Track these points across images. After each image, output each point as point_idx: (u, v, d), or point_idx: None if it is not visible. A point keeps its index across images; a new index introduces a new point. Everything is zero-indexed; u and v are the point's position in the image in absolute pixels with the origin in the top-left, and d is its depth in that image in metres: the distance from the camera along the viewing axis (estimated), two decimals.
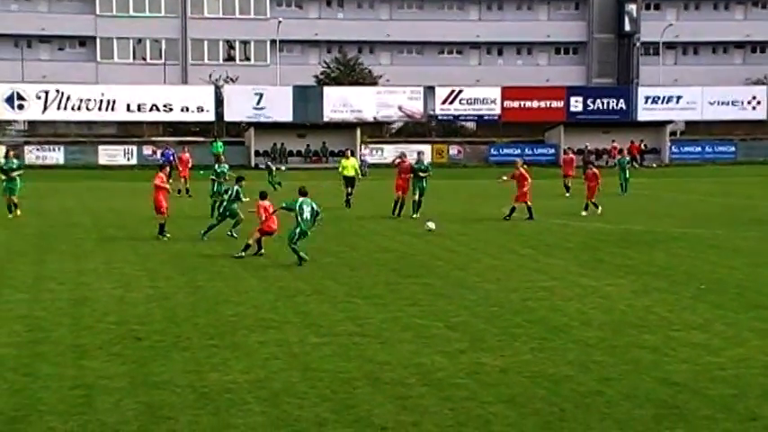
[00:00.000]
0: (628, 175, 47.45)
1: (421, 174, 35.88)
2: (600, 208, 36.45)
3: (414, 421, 11.69)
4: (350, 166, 41.07)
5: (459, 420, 11.72)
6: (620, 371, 13.94)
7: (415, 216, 34.93)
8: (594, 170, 37.85)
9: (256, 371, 13.88)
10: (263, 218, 26.00)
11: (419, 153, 38.99)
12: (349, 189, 40.17)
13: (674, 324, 17.11)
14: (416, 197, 35.74)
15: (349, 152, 44.07)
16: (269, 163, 57.93)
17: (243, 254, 25.30)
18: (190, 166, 50.49)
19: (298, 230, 24.12)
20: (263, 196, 26.53)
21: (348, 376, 13.61)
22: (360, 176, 41.38)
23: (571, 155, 48.65)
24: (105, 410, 12.08)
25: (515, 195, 34.76)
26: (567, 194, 45.28)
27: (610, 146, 77.02)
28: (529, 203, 34.44)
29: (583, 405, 12.34)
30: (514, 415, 11.93)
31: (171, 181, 57.53)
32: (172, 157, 62.68)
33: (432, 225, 30.78)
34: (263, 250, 25.94)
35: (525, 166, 36.21)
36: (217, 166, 36.92)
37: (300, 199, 24.52)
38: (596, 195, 36.87)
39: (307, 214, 24.14)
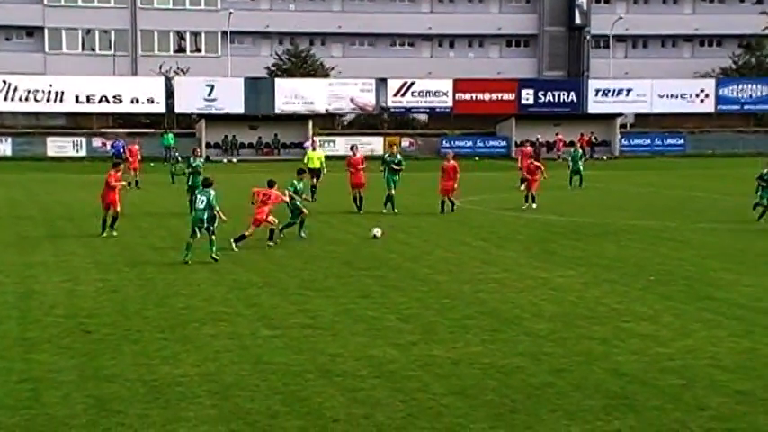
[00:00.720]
0: (581, 169, 47.01)
1: (394, 167, 35.25)
2: (536, 204, 35.98)
3: (365, 413, 11.68)
4: (315, 158, 41.02)
5: (411, 412, 11.73)
6: (571, 362, 14.03)
7: (385, 211, 34.42)
8: (537, 163, 37.64)
9: (207, 364, 13.81)
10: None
11: (392, 146, 38.51)
12: (314, 181, 39.57)
13: (623, 315, 17.24)
14: (391, 191, 34.80)
15: (316, 144, 43.75)
16: (176, 154, 56.85)
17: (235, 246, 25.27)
18: (140, 158, 49.94)
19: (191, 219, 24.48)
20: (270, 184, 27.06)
21: (300, 369, 13.58)
22: (325, 169, 40.90)
23: (528, 147, 48.39)
24: (53, 404, 11.95)
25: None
26: (522, 187, 45.09)
27: (554, 138, 77.12)
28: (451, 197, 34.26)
29: (534, 396, 12.41)
30: (465, 406, 11.96)
31: (122, 173, 57.31)
32: (122, 149, 62.31)
33: (377, 232, 28.02)
34: (271, 242, 26.44)
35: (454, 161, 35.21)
36: (192, 159, 35.77)
37: (203, 190, 24.51)
38: (536, 189, 36.24)
39: (199, 204, 24.11)
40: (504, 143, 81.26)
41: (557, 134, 77.36)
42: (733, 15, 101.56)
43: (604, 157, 79.25)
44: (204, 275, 21.34)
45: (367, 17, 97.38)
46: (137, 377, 13.09)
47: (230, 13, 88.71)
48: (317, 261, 23.53)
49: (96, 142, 75.61)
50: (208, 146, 77.72)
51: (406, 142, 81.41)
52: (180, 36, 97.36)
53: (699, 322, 16.71)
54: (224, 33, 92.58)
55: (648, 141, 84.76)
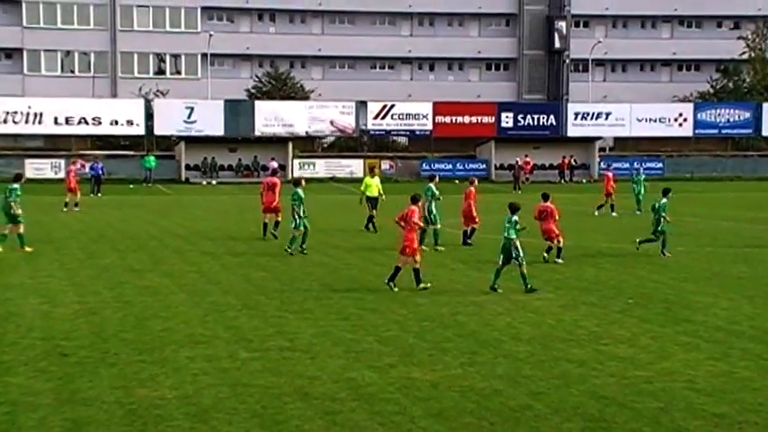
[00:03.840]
0: (642, 191, 47.44)
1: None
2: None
3: None
4: (374, 185, 36.63)
5: None
6: (549, 385, 14.04)
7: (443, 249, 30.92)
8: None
9: (185, 386, 13.75)
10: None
11: (432, 179, 32.89)
12: (374, 211, 36.05)
13: (602, 338, 17.28)
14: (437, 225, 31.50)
15: (376, 169, 39.01)
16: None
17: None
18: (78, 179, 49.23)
19: None
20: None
21: (278, 391, 13.54)
22: (383, 197, 36.74)
23: (611, 171, 47.88)
24: (29, 428, 11.87)
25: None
26: (614, 214, 45.04)
27: (521, 160, 74.62)
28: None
29: (512, 419, 12.40)
30: (444, 429, 11.95)
31: (100, 195, 57.23)
32: (101, 171, 62.21)
33: None
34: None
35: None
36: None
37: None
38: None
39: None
40: (483, 166, 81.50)
41: (525, 156, 76.86)
42: (711, 40, 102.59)
43: (583, 180, 79.63)
44: (182, 298, 21.27)
45: (347, 40, 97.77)
46: (114, 400, 13.02)
47: (210, 35, 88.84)
48: (296, 283, 23.50)
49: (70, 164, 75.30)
50: (187, 167, 77.87)
51: (386, 165, 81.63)
52: (160, 58, 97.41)
53: (677, 345, 16.76)
54: (204, 55, 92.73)
55: (627, 165, 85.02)
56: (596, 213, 44.84)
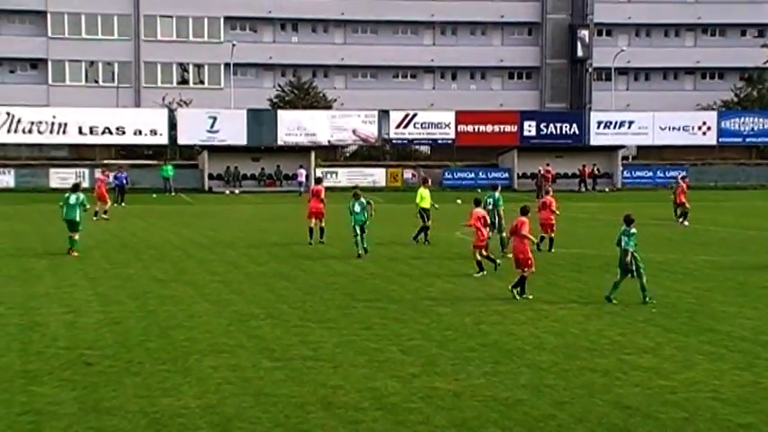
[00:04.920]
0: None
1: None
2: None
3: None
4: (428, 196, 36.02)
5: None
6: (573, 394, 13.99)
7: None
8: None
9: (209, 396, 13.78)
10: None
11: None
12: (429, 222, 35.60)
13: (625, 348, 17.21)
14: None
15: (428, 181, 38.81)
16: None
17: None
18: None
19: None
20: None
21: (301, 401, 13.55)
22: (437, 207, 36.35)
23: (685, 181, 47.41)
24: None
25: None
26: (686, 223, 44.66)
27: (543, 169, 73.85)
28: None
29: (536, 429, 12.37)
30: None
31: (124, 204, 57.51)
32: (125, 181, 62.49)
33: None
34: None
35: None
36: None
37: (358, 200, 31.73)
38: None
39: (357, 208, 31.75)
40: (506, 174, 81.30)
41: (546, 164, 75.71)
42: (734, 48, 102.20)
43: (606, 189, 79.39)
44: (206, 307, 21.32)
45: (369, 49, 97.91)
46: (138, 409, 13.06)
47: (233, 45, 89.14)
48: (319, 292, 23.52)
49: (99, 173, 75.59)
50: (210, 177, 78.04)
51: (408, 174, 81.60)
52: (183, 68, 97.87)
53: (701, 355, 16.68)
54: (227, 65, 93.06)
55: (650, 173, 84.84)
56: (685, 224, 44.17)
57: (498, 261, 27.03)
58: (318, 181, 38.83)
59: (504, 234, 31.38)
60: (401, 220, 35.69)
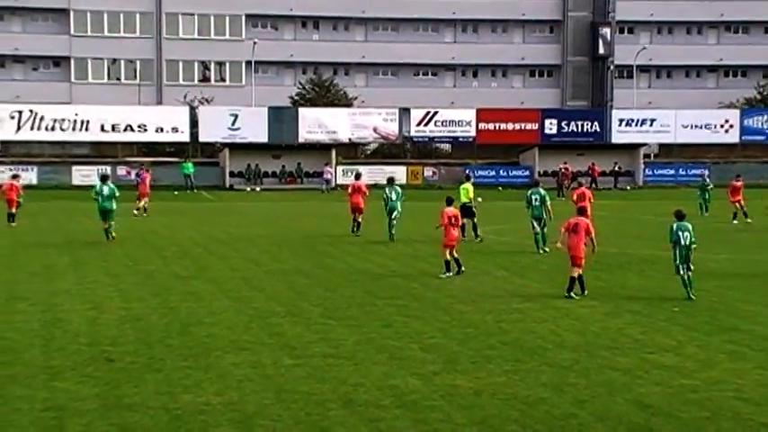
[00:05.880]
0: (708, 198, 48.33)
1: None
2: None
3: None
4: (464, 191, 35.27)
5: None
6: (594, 393, 13.96)
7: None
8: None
9: (230, 392, 13.82)
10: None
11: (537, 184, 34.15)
12: (473, 220, 34.86)
13: (647, 346, 17.16)
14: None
15: (470, 174, 38.89)
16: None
17: None
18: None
19: None
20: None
21: (322, 398, 13.57)
22: (476, 205, 35.37)
23: (739, 182, 46.52)
24: None
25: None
26: (748, 220, 44.34)
27: (562, 167, 72.75)
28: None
29: (557, 428, 12.35)
30: None
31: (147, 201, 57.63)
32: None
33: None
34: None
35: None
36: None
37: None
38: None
39: (392, 195, 34.76)
40: (526, 173, 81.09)
41: (564, 163, 74.30)
42: (757, 46, 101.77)
43: (628, 187, 79.11)
44: (227, 304, 21.38)
45: (390, 47, 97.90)
46: (159, 406, 13.12)
47: (254, 43, 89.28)
48: (340, 290, 23.54)
49: (121, 171, 76.01)
50: (231, 174, 78.19)
51: (428, 171, 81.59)
52: (204, 66, 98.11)
53: (723, 354, 16.61)
54: (248, 63, 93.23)
55: (672, 171, 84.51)
56: (749, 221, 43.97)
57: (463, 267, 26.23)
58: (358, 176, 39.95)
59: (545, 231, 31.68)
60: (422, 218, 35.67)
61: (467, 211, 34.45)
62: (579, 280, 22.88)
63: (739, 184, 46.15)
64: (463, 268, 26.12)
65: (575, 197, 34.49)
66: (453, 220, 25.95)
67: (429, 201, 37.41)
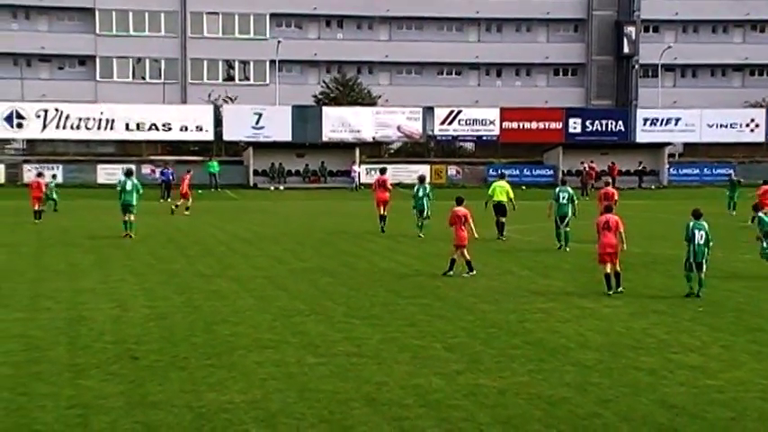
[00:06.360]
0: (736, 197, 48.80)
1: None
2: None
3: None
4: (500, 189, 35.05)
5: None
6: (618, 393, 13.91)
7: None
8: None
9: (253, 391, 13.85)
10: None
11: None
12: (501, 219, 34.90)
13: (671, 346, 17.08)
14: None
15: (501, 173, 39.16)
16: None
17: None
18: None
19: None
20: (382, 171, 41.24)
21: (345, 397, 13.58)
22: (514, 205, 35.12)
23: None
24: (101, 430, 12.05)
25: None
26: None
27: (588, 166, 72.59)
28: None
29: (580, 427, 12.32)
30: None
31: (170, 200, 57.92)
32: (171, 176, 62.94)
33: None
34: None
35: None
36: None
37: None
38: None
39: (420, 193, 35.80)
40: (551, 172, 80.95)
41: (591, 161, 74.14)
42: None
43: (652, 186, 78.80)
44: (250, 303, 21.43)
45: (414, 46, 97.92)
46: (183, 404, 13.16)
47: (279, 42, 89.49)
48: (363, 289, 23.55)
49: (146, 169, 76.34)
50: (255, 173, 78.42)
51: (452, 170, 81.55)
52: (229, 65, 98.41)
53: (748, 354, 16.52)
54: (272, 62, 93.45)
55: (697, 171, 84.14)
56: None
57: (474, 270, 25.88)
58: (383, 171, 41.73)
59: (568, 229, 31.83)
60: (445, 217, 35.52)
61: (501, 209, 34.71)
62: (616, 276, 22.99)
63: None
64: (474, 272, 25.82)
65: (601, 196, 34.27)
66: (464, 219, 25.86)
67: (453, 200, 37.24)
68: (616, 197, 33.81)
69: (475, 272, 25.70)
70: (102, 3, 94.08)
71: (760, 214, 27.57)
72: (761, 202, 44.45)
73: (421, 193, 35.87)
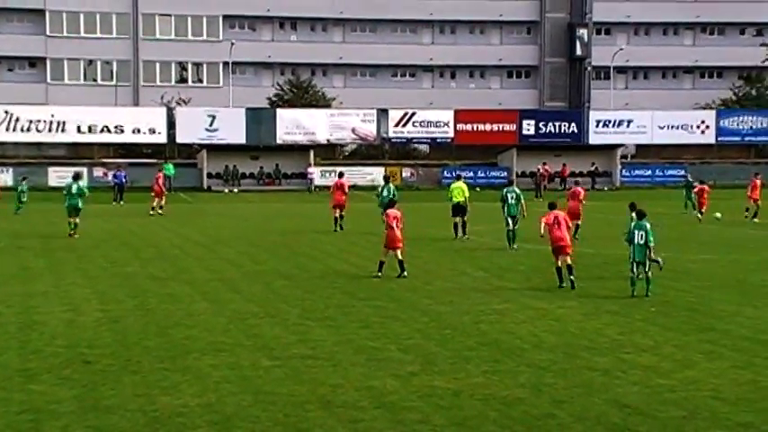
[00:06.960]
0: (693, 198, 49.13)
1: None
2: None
3: None
4: (459, 190, 35.60)
5: None
6: (572, 393, 13.99)
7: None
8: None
9: (208, 394, 13.77)
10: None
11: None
12: (458, 219, 35.44)
13: (624, 347, 17.20)
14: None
15: (458, 174, 39.61)
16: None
17: None
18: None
19: None
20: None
21: (300, 399, 13.54)
22: (468, 204, 35.76)
23: (758, 179, 47.15)
24: None
25: None
26: (756, 220, 44.74)
27: (542, 168, 73.08)
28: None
29: (535, 428, 12.37)
30: None
31: (122, 203, 57.49)
32: (124, 179, 62.47)
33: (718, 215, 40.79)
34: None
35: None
36: None
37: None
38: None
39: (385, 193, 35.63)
40: (504, 173, 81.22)
41: (544, 164, 74.72)
42: (733, 47, 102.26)
43: (605, 188, 79.36)
44: (204, 306, 21.31)
45: (368, 48, 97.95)
46: (137, 408, 13.06)
47: (232, 43, 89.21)
48: (318, 291, 23.51)
49: (97, 172, 75.74)
50: (209, 176, 78.06)
51: (407, 172, 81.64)
52: (182, 66, 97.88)
53: (700, 354, 16.67)
54: (225, 64, 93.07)
55: (649, 172, 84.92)
56: (755, 221, 44.43)
57: (405, 272, 25.71)
58: (341, 175, 42.28)
59: (517, 228, 32.63)
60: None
61: (461, 209, 35.32)
62: (569, 269, 23.51)
63: (759, 181, 46.91)
64: (405, 273, 25.60)
65: (569, 196, 35.86)
66: (396, 222, 25.86)
67: (407, 202, 37.37)
68: (582, 196, 35.72)
69: (406, 273, 25.60)
70: (53, 4, 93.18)
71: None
72: (698, 200, 45.58)
73: (386, 193, 35.97)
